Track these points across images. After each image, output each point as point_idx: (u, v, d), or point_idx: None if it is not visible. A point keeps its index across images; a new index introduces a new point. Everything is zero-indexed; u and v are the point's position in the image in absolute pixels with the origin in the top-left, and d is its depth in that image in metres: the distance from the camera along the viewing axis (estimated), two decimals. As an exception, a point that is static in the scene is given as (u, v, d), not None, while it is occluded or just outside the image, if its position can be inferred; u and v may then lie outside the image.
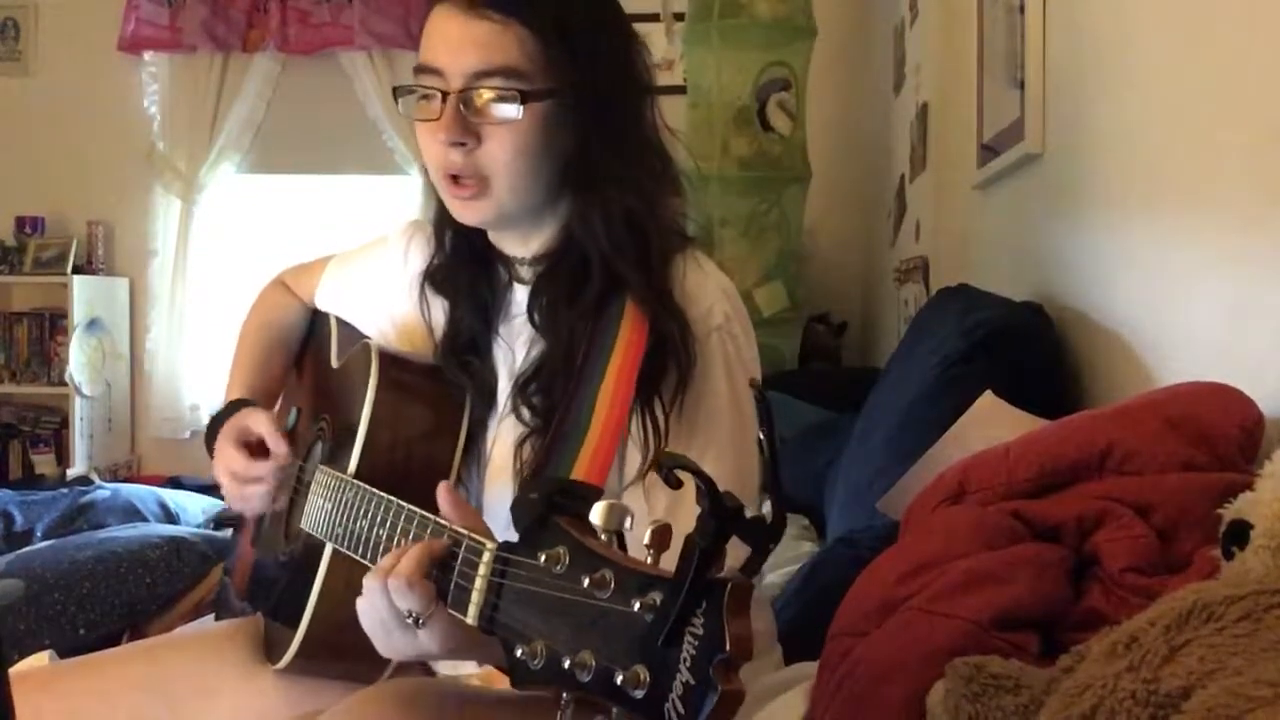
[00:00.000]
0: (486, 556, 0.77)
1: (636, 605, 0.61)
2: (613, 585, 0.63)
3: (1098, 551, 0.99)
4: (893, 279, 3.33)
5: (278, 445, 1.17)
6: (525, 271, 1.14)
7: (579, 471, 0.93)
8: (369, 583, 0.86)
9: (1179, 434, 1.04)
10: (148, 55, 4.44)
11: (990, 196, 2.30)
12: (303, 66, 4.41)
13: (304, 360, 1.41)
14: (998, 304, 1.82)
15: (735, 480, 1.04)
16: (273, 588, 1.23)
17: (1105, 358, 1.57)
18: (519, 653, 0.68)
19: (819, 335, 3.82)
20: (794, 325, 3.66)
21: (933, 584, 0.99)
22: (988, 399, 1.51)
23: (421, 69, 1.07)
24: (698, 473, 0.60)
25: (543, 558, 0.68)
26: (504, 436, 1.12)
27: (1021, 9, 1.94)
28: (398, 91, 1.11)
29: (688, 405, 1.03)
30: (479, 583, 0.76)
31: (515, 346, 1.15)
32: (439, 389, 1.15)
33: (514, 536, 0.97)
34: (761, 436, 0.62)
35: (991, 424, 1.43)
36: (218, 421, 1.23)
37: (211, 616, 2.28)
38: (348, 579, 1.02)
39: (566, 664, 0.64)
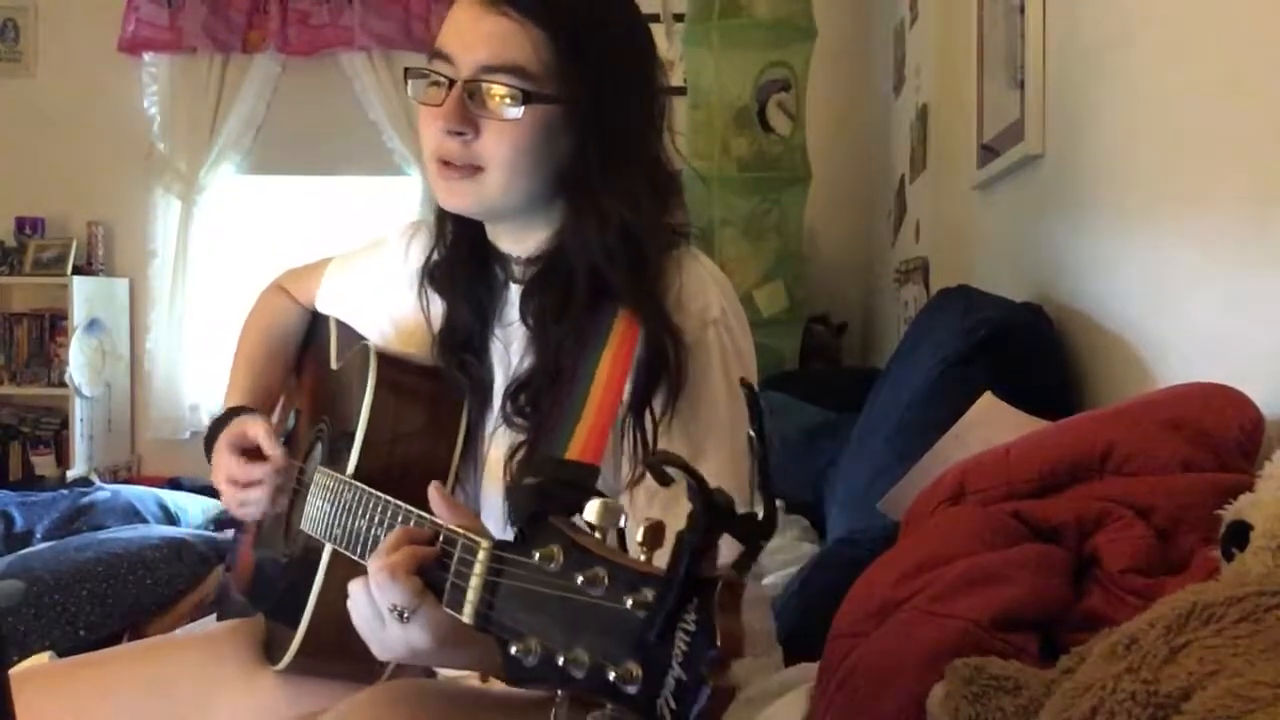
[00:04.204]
0: (482, 555, 0.77)
1: (629, 602, 0.61)
2: (606, 582, 0.64)
3: (1098, 552, 0.99)
4: (893, 279, 3.33)
5: (272, 447, 1.18)
6: (519, 271, 1.14)
7: (574, 450, 0.93)
8: (354, 582, 0.87)
9: (1179, 434, 1.04)
10: (148, 56, 4.44)
11: (990, 197, 2.31)
12: (303, 67, 4.41)
13: (304, 363, 1.41)
14: (998, 304, 1.82)
15: (734, 471, 1.05)
16: (273, 588, 1.23)
17: (1105, 358, 1.57)
18: (513, 650, 0.68)
19: (819, 335, 3.82)
20: (794, 325, 3.66)
21: (933, 584, 0.99)
22: (988, 399, 1.51)
23: (435, 55, 1.07)
24: (688, 470, 0.60)
25: (537, 556, 0.69)
26: (500, 441, 1.13)
27: (1021, 9, 1.94)
28: (409, 73, 1.11)
29: (686, 401, 1.03)
30: (474, 581, 0.76)
31: (511, 348, 1.15)
32: (438, 389, 1.16)
33: (511, 535, 0.98)
34: (752, 434, 0.63)
35: (991, 424, 1.43)
36: (216, 429, 1.25)
37: (213, 617, 2.29)
38: (347, 579, 1.02)
39: (561, 661, 0.64)
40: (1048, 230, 1.88)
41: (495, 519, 1.08)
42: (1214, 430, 1.03)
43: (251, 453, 1.20)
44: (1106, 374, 1.57)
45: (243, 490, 1.19)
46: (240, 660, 1.21)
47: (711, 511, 0.59)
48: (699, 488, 0.59)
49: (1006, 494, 1.11)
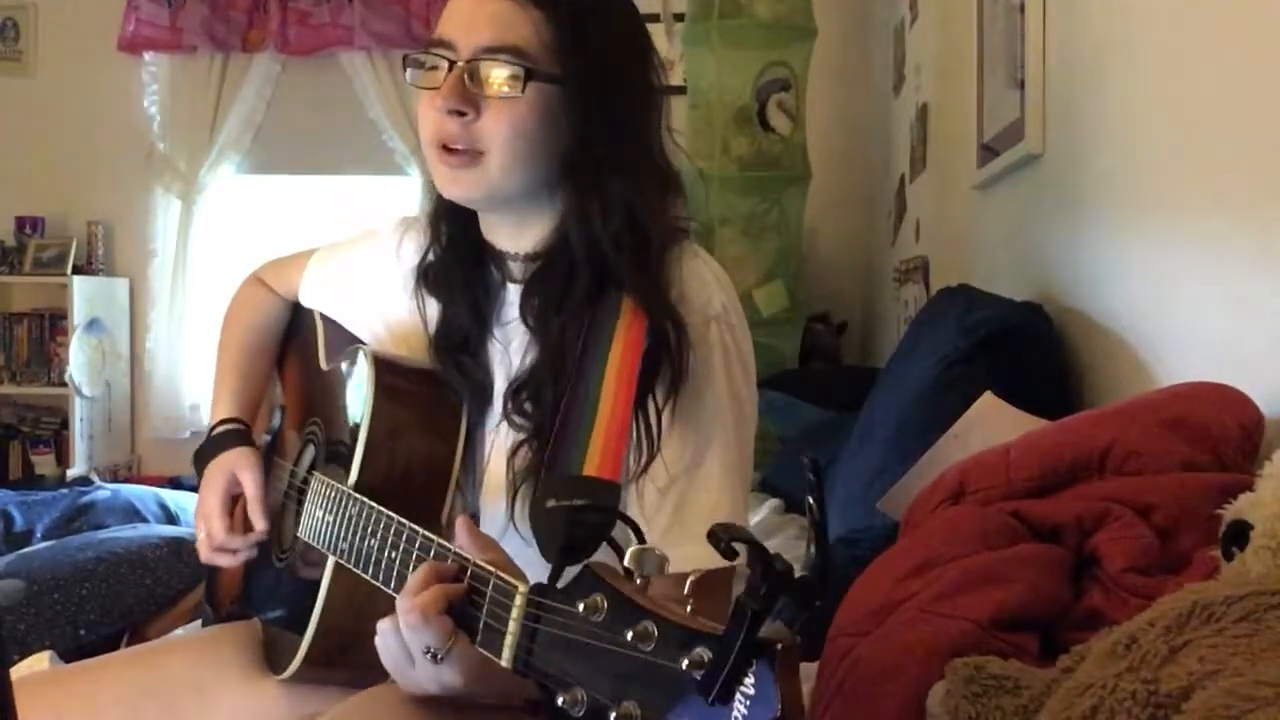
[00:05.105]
0: (519, 600, 0.76)
1: (684, 662, 0.62)
2: (656, 638, 0.64)
3: (1098, 551, 0.99)
4: (893, 279, 3.33)
5: (259, 521, 1.18)
6: (517, 269, 1.13)
7: (592, 463, 0.92)
8: (383, 622, 0.87)
9: (1179, 434, 1.04)
10: (148, 55, 4.44)
11: (990, 196, 2.31)
12: (303, 67, 4.41)
13: (286, 359, 1.38)
14: (998, 304, 1.82)
15: (739, 474, 1.04)
16: (270, 595, 1.22)
17: (1105, 358, 1.57)
18: (561, 700, 0.68)
19: (819, 335, 3.82)
20: (794, 325, 3.66)
21: (933, 584, 0.99)
22: (988, 399, 1.51)
23: (435, 42, 1.06)
24: (751, 542, 0.61)
25: (581, 607, 0.69)
26: (500, 444, 1.11)
27: (1021, 9, 1.94)
28: (407, 60, 1.10)
29: (689, 397, 1.03)
30: (512, 626, 0.76)
31: (510, 349, 1.13)
32: (436, 393, 1.14)
33: (510, 544, 0.97)
34: (812, 501, 0.64)
35: (991, 424, 1.43)
36: (210, 448, 1.24)
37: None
38: (351, 590, 1.01)
39: (612, 715, 0.65)
40: (1048, 230, 1.88)
41: (496, 524, 1.07)
42: (1214, 430, 1.03)
43: (239, 499, 1.20)
44: (1106, 374, 1.57)
45: (216, 552, 1.20)
46: (239, 663, 1.20)
47: (771, 578, 0.60)
48: (760, 555, 0.60)
49: (1006, 494, 1.11)
